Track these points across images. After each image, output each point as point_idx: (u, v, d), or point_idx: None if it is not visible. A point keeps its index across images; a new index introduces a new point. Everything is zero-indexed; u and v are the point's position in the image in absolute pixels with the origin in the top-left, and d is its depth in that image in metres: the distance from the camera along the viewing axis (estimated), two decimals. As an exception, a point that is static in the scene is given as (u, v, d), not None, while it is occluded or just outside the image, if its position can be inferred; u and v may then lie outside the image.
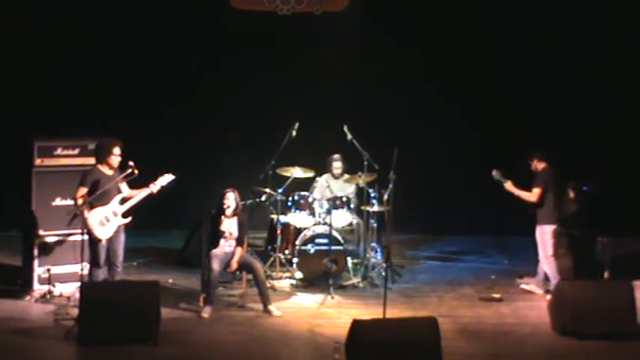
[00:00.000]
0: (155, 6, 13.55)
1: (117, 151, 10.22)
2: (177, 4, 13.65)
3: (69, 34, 13.41)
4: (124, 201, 10.33)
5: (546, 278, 11.35)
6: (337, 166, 12.28)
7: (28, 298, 10.69)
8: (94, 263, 10.30)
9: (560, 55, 13.73)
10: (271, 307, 10.47)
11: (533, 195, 11.07)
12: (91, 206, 10.14)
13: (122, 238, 10.39)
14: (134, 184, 10.41)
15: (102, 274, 10.30)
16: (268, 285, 11.11)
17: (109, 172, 10.26)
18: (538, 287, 11.37)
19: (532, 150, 11.28)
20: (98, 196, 10.14)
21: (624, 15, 13.48)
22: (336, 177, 12.31)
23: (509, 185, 11.14)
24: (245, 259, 10.63)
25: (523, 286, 11.49)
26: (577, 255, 11.68)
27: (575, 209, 11.40)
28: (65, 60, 13.40)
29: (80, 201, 10.07)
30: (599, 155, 13.40)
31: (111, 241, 10.30)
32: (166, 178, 10.38)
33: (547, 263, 11.14)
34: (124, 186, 10.40)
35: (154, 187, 10.32)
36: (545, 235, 11.12)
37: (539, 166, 11.20)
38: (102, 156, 10.26)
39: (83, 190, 10.17)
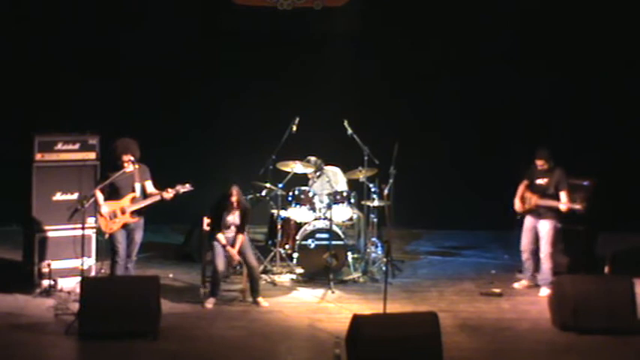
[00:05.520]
0: (156, 4, 13.55)
1: (126, 158, 10.24)
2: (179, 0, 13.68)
3: (71, 31, 13.39)
4: (134, 200, 10.34)
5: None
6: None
7: (28, 293, 10.69)
8: (111, 258, 10.40)
9: (558, 52, 13.74)
10: (259, 299, 10.54)
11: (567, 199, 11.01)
12: (105, 199, 10.29)
13: (135, 235, 10.42)
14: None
15: (120, 269, 10.34)
16: (269, 280, 11.14)
17: (125, 169, 10.30)
18: (530, 282, 11.35)
19: (545, 150, 11.08)
20: (107, 189, 10.25)
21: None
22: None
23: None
24: (245, 250, 10.65)
25: (516, 285, 11.39)
26: (574, 251, 11.69)
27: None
28: (66, 57, 13.40)
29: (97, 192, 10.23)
30: (598, 150, 13.40)
31: (128, 236, 10.36)
32: (184, 189, 10.36)
33: (551, 260, 11.10)
34: (148, 184, 10.43)
35: (167, 194, 10.30)
36: (552, 230, 11.08)
37: (550, 165, 11.04)
38: (113, 159, 10.32)
39: (100, 185, 10.31)
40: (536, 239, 11.20)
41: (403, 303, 10.60)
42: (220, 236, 10.58)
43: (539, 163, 11.09)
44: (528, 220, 11.23)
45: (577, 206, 10.93)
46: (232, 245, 10.58)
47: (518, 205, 11.25)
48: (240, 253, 10.64)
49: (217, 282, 10.52)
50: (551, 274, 11.03)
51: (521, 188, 11.25)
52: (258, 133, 13.22)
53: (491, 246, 13.35)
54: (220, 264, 10.48)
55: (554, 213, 11.06)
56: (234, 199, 10.59)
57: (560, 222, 11.17)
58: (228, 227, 10.63)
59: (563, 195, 11.00)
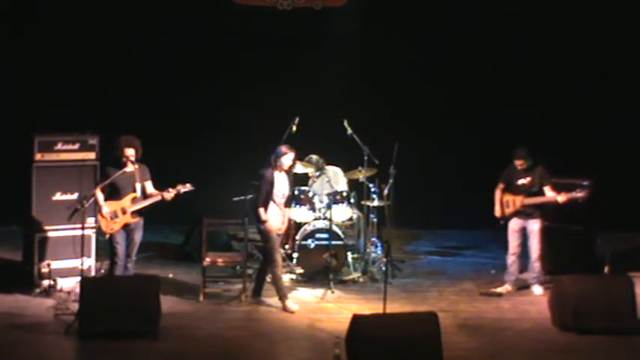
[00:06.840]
0: (156, 4, 13.55)
1: (129, 152, 10.23)
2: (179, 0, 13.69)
3: (71, 31, 13.40)
4: (135, 200, 10.35)
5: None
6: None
7: (28, 293, 10.69)
8: (111, 259, 10.38)
9: (555, 50, 13.76)
10: (288, 303, 10.43)
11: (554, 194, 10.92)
12: (105, 199, 10.28)
13: (134, 235, 10.40)
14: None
15: (119, 269, 10.32)
16: (268, 280, 11.12)
17: (125, 168, 10.28)
18: (513, 286, 11.25)
19: (524, 149, 11.00)
20: (108, 189, 10.25)
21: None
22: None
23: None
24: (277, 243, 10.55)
25: (499, 289, 11.25)
26: (573, 251, 11.69)
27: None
28: (66, 57, 13.41)
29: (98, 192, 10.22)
30: (598, 150, 13.41)
31: (128, 236, 10.35)
32: (185, 188, 10.35)
33: (542, 258, 11.10)
34: (148, 184, 10.43)
35: (168, 194, 10.28)
36: (542, 228, 11.06)
37: (529, 163, 10.95)
38: (116, 154, 10.31)
39: (100, 184, 10.29)
40: (524, 240, 11.14)
41: (403, 303, 10.60)
42: (274, 216, 10.34)
43: (519, 163, 11.00)
44: (515, 222, 11.10)
45: (579, 194, 10.76)
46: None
47: (498, 210, 11.18)
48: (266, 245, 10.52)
49: (282, 284, 10.42)
50: (542, 272, 11.05)
51: (498, 193, 11.17)
52: (258, 133, 13.22)
53: (491, 246, 13.34)
54: (280, 259, 10.41)
55: (541, 211, 11.04)
56: (292, 159, 10.34)
57: (546, 219, 11.12)
58: (280, 199, 10.34)
59: (548, 190, 10.91)
